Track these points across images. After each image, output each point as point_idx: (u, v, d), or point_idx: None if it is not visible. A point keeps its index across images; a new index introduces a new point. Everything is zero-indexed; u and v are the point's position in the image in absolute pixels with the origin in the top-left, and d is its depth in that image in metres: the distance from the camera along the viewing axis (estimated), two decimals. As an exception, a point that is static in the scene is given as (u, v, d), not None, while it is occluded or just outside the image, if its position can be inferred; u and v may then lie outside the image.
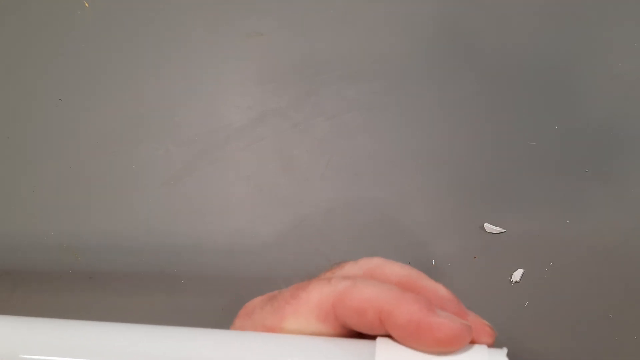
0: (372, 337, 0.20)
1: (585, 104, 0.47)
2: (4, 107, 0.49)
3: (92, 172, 0.47)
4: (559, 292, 0.44)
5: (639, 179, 0.45)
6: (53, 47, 0.50)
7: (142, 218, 0.46)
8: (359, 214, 0.46)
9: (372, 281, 0.22)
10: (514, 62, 0.48)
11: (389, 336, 0.20)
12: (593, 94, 0.47)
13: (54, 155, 0.48)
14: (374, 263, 0.23)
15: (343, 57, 0.48)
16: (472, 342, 0.21)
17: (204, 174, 0.47)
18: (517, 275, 0.44)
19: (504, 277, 0.44)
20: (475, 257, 0.44)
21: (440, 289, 0.23)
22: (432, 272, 0.44)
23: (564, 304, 0.44)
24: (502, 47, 0.48)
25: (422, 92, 0.47)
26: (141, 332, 0.21)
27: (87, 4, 0.50)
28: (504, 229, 0.44)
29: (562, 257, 0.44)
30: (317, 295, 0.22)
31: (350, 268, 0.24)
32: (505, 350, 0.20)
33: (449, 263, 0.44)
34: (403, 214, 0.46)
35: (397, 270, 0.23)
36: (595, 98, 0.47)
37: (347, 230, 0.46)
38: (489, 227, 0.44)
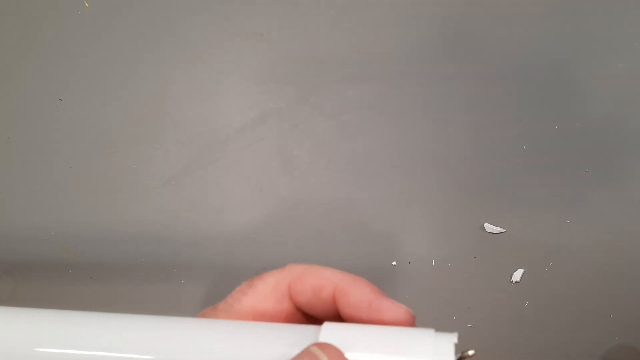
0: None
1: (585, 104, 0.47)
2: (4, 107, 0.49)
3: (93, 172, 0.47)
4: (559, 292, 0.44)
5: (639, 178, 0.45)
6: (53, 47, 0.49)
7: (143, 218, 0.46)
8: (359, 213, 0.46)
9: (327, 267, 0.23)
10: (514, 62, 0.48)
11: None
12: (593, 94, 0.47)
13: (54, 155, 0.48)
14: (302, 268, 0.24)
15: (343, 57, 0.48)
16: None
17: (204, 174, 0.47)
18: (517, 275, 0.44)
19: (504, 277, 0.44)
20: (475, 257, 0.44)
21: (365, 288, 0.23)
22: (433, 272, 0.44)
23: (564, 304, 0.43)
24: (503, 48, 0.48)
25: (423, 93, 0.47)
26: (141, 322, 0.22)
27: (87, 4, 0.50)
28: (504, 229, 0.44)
29: (562, 257, 0.44)
30: (273, 280, 0.23)
31: (276, 274, 0.24)
32: (455, 335, 0.21)
33: (449, 263, 0.44)
34: (403, 214, 0.45)
35: (327, 274, 0.23)
36: (595, 98, 0.47)
37: (346, 230, 0.46)
38: (489, 227, 0.44)
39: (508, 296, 0.44)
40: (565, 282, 0.44)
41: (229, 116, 0.47)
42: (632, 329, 0.43)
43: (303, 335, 0.20)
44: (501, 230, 0.44)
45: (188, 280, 0.46)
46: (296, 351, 0.20)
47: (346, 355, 0.19)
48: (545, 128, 0.46)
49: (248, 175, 0.47)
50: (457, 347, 0.20)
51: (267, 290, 0.23)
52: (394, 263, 0.45)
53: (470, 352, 0.20)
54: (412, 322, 0.22)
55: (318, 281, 0.23)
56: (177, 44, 0.49)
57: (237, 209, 0.46)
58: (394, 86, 0.47)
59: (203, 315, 0.24)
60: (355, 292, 0.22)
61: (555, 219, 0.45)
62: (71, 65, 0.49)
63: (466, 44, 0.48)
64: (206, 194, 0.47)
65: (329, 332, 0.20)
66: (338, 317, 0.22)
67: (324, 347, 0.19)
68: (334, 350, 0.19)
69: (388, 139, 0.47)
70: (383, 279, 0.44)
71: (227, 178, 0.47)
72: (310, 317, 0.23)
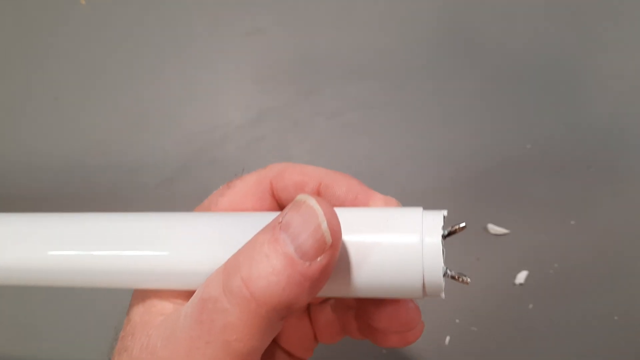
0: None
1: (589, 102, 0.46)
2: (-1, 106, 0.49)
3: (89, 172, 0.47)
4: (563, 294, 0.43)
5: (645, 178, 0.45)
6: (49, 44, 0.49)
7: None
8: (360, 214, 0.45)
9: (309, 165, 0.23)
10: (516, 60, 0.47)
11: None
12: (597, 91, 0.47)
13: (49, 156, 0.47)
14: (284, 165, 0.23)
15: (343, 54, 0.48)
16: None
17: (202, 173, 0.46)
18: (521, 277, 0.43)
19: (507, 279, 0.43)
20: (478, 259, 0.44)
21: (352, 181, 0.23)
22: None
23: (568, 306, 0.43)
24: (505, 45, 0.48)
25: (424, 91, 0.47)
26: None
27: (83, 1, 0.49)
28: (507, 229, 0.44)
29: (566, 259, 0.44)
30: (254, 178, 0.23)
31: (257, 174, 0.23)
32: (444, 210, 0.20)
33: (452, 264, 0.44)
34: (404, 215, 0.45)
35: (310, 170, 0.23)
36: (599, 96, 0.47)
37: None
38: (492, 228, 0.44)
39: (512, 298, 0.43)
40: (569, 284, 0.43)
41: (227, 115, 0.47)
42: (638, 331, 0.43)
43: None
44: (505, 231, 0.44)
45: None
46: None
47: None
48: (550, 127, 0.46)
49: (247, 175, 0.46)
50: (447, 223, 0.20)
51: (246, 189, 0.23)
52: (396, 264, 0.44)
53: (461, 225, 0.20)
54: None
55: (301, 177, 0.22)
56: (175, 41, 0.49)
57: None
58: (395, 84, 0.47)
59: None
60: (341, 185, 0.22)
61: (560, 220, 0.44)
62: (67, 64, 0.49)
63: (469, 41, 0.48)
64: (204, 194, 0.46)
65: None
66: None
67: (311, 195, 0.18)
68: (321, 198, 0.18)
69: (389, 138, 0.46)
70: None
71: (225, 178, 0.46)
72: None
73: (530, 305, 0.43)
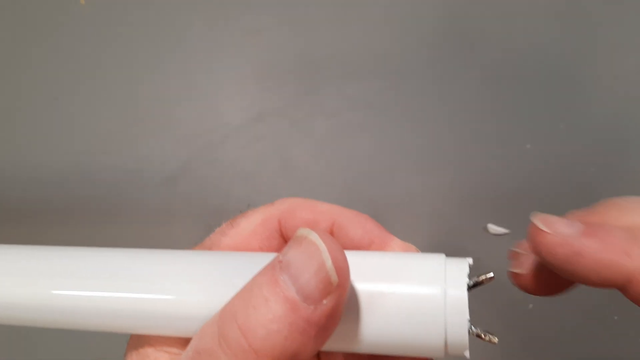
0: None
1: (591, 103, 0.46)
2: (-1, 106, 0.49)
3: (88, 173, 0.47)
4: (563, 294, 0.43)
5: (646, 178, 0.45)
6: (49, 45, 0.49)
7: (139, 218, 0.46)
8: (360, 214, 0.45)
9: (323, 201, 0.21)
10: (517, 60, 0.47)
11: None
12: (598, 92, 0.47)
13: (49, 156, 0.47)
14: (295, 201, 0.21)
15: (343, 54, 0.48)
16: None
17: (202, 173, 0.46)
18: (521, 277, 0.43)
19: (507, 279, 0.43)
20: (478, 259, 0.44)
21: (368, 223, 0.21)
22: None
23: (568, 306, 0.43)
24: (506, 45, 0.48)
25: (424, 91, 0.47)
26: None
27: (83, 1, 0.49)
28: (507, 229, 0.44)
29: (566, 259, 0.44)
30: (259, 216, 0.21)
31: (264, 210, 0.21)
32: (469, 258, 0.18)
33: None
34: (404, 215, 0.45)
35: (323, 208, 0.21)
36: (600, 97, 0.46)
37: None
38: (492, 228, 0.44)
39: (512, 298, 0.43)
40: (570, 284, 0.43)
41: (226, 115, 0.47)
42: (638, 331, 0.43)
43: None
44: (505, 231, 0.44)
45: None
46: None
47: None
48: (550, 127, 0.46)
49: (247, 176, 0.46)
50: (472, 272, 0.18)
51: (252, 228, 0.21)
52: (395, 265, 0.44)
53: (489, 275, 0.18)
54: None
55: (313, 215, 0.20)
56: (174, 42, 0.49)
57: (235, 210, 0.46)
58: (395, 84, 0.47)
59: None
60: (356, 228, 0.20)
61: (560, 220, 0.44)
62: (67, 64, 0.49)
63: (469, 41, 0.48)
64: (203, 194, 0.46)
65: None
66: None
67: (313, 230, 0.16)
68: (324, 232, 0.16)
69: (389, 138, 0.46)
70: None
71: (225, 178, 0.46)
72: None
73: (530, 305, 0.43)
